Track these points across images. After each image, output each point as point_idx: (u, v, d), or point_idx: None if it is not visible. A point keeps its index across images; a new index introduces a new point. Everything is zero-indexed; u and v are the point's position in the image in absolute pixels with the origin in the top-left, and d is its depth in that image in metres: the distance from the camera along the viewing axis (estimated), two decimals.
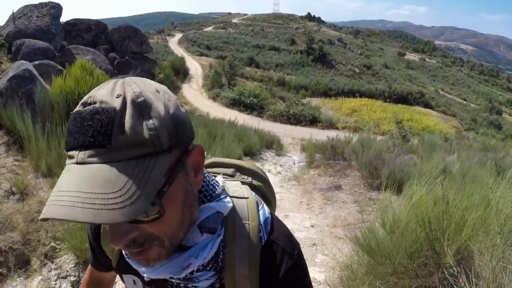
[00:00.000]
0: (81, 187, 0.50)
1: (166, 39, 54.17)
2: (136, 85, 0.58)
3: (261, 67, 41.13)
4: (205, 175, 0.76)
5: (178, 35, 60.03)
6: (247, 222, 0.75)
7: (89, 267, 1.04)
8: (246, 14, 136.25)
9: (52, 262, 2.58)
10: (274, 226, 0.79)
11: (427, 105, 38.22)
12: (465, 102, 47.10)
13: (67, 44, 12.69)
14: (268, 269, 0.75)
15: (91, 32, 16.91)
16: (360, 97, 35.95)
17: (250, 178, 0.92)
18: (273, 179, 6.76)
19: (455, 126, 32.86)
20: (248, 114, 21.78)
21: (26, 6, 11.85)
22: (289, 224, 4.26)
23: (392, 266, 2.24)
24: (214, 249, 0.71)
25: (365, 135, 11.78)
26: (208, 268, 0.72)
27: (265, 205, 0.81)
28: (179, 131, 0.60)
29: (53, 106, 4.38)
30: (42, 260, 2.55)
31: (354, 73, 48.03)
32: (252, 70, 37.74)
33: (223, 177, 0.86)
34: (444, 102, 42.15)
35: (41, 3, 12.12)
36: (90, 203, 0.49)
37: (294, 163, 10.15)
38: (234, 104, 23.13)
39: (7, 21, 11.18)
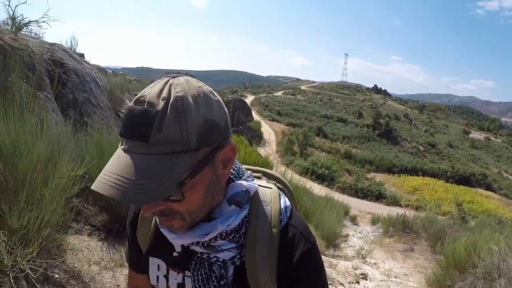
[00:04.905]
0: (121, 171, 0.65)
1: None
2: (180, 89, 0.68)
3: (328, 138, 42.83)
4: (236, 163, 0.88)
5: (250, 97, 61.70)
6: (270, 205, 0.85)
7: (129, 276, 1.14)
8: (314, 82, 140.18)
9: None
10: (294, 215, 0.88)
11: (489, 187, 37.64)
12: None
13: None
14: (285, 250, 0.82)
15: None
16: (423, 175, 36.13)
17: (275, 182, 1.00)
18: (359, 242, 9.14)
19: None
20: (319, 183, 23.42)
21: None
22: (386, 266, 6.62)
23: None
24: (238, 220, 0.80)
25: (430, 213, 13.69)
26: (230, 237, 0.81)
27: (286, 197, 0.91)
28: (210, 133, 0.70)
29: None
30: None
31: (418, 150, 48.28)
32: (321, 141, 39.68)
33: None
34: (507, 185, 40.66)
35: None
36: (125, 186, 0.63)
37: (368, 232, 12.18)
38: (306, 172, 24.38)
39: None
